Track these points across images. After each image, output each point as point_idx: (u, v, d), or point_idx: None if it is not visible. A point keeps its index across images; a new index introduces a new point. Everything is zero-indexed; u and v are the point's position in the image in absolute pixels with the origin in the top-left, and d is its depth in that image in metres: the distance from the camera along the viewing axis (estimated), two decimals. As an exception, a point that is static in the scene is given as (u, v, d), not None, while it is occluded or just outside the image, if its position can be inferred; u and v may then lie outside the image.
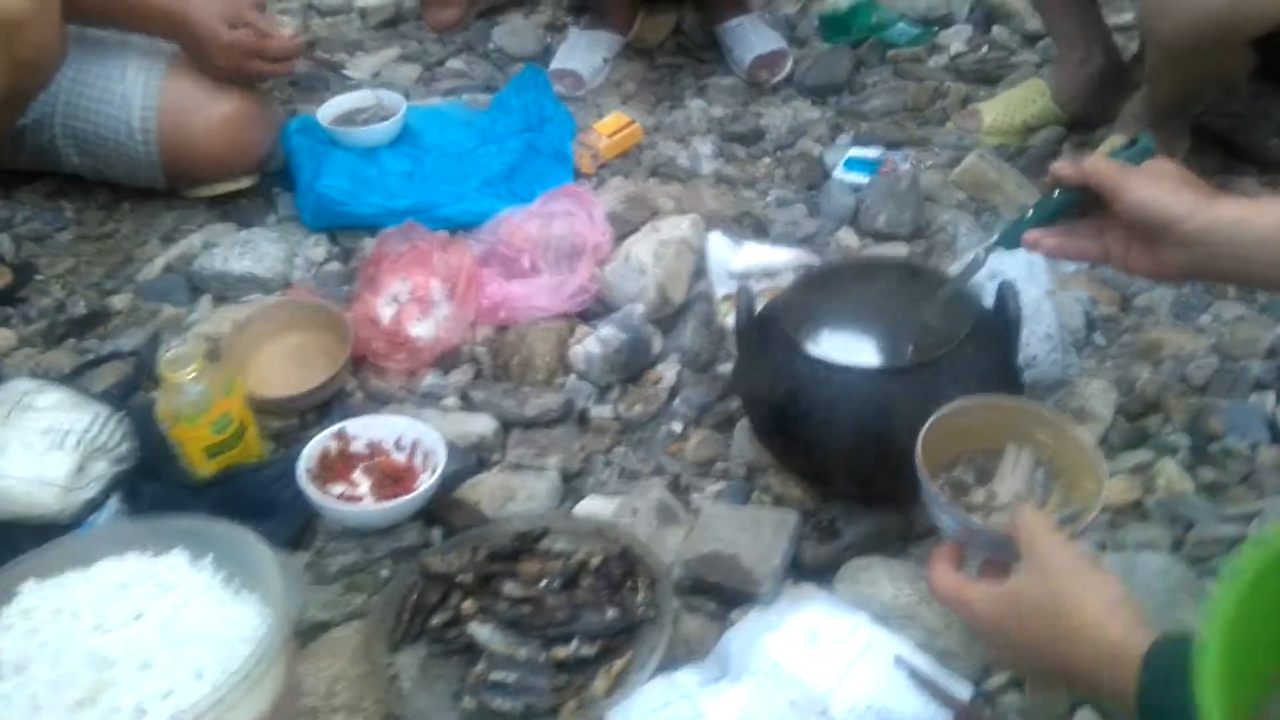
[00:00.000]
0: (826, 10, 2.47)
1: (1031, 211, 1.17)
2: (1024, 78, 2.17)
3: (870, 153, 2.02)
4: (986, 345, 1.31)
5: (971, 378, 1.26)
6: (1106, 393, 1.48)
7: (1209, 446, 1.42)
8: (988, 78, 2.25)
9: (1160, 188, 1.08)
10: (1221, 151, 1.92)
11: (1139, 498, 1.37)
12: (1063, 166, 1.14)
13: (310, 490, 1.32)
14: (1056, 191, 1.15)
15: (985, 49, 2.34)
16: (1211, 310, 1.66)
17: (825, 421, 1.30)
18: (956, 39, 2.39)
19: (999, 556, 1.03)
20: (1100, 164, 1.11)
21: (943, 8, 2.48)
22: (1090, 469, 1.07)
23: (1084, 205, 1.14)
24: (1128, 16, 2.25)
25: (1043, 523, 0.97)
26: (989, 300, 1.37)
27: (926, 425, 1.09)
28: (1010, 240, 1.18)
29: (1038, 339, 1.47)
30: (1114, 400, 1.47)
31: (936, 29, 2.43)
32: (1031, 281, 1.50)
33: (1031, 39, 2.34)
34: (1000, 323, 1.34)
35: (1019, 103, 2.04)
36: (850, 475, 1.34)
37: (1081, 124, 2.03)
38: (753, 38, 2.34)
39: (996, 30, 2.40)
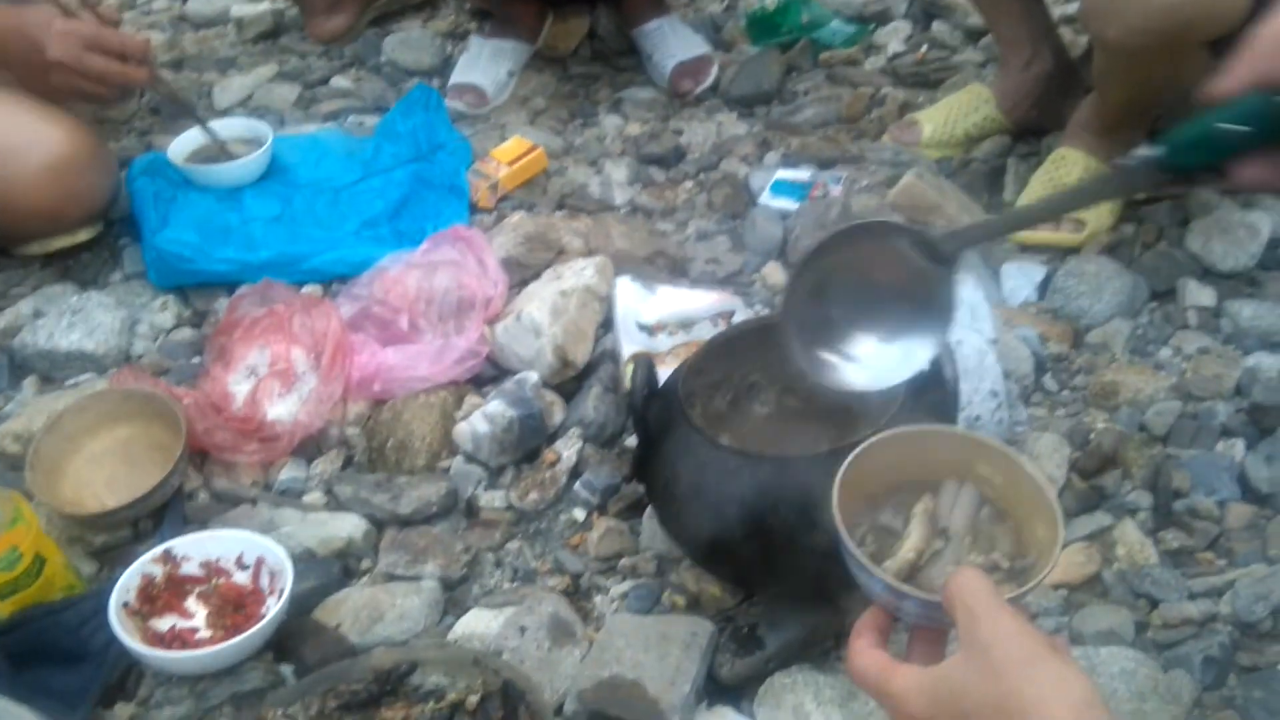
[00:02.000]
0: (754, 9, 2.31)
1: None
2: (966, 80, 2.02)
3: (799, 175, 1.85)
4: (923, 416, 1.14)
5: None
6: (1059, 449, 1.36)
7: (1173, 505, 1.32)
8: (928, 81, 2.10)
9: None
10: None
11: (1097, 570, 1.26)
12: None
13: (123, 634, 1.12)
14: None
15: (925, 48, 2.18)
16: (1171, 343, 1.55)
17: (740, 518, 1.14)
18: (894, 38, 2.24)
19: (935, 624, 0.83)
20: None
21: (878, 3, 2.33)
22: (1043, 511, 0.87)
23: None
24: (1075, 6, 2.08)
25: (986, 592, 0.75)
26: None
27: (845, 463, 0.90)
28: (1196, 152, 0.90)
29: (981, 397, 1.34)
30: (1067, 456, 1.36)
31: (873, 26, 2.28)
32: (973, 329, 1.36)
33: (974, 35, 2.20)
34: (937, 392, 1.17)
35: (960, 111, 1.90)
36: (770, 575, 1.18)
37: (1029, 132, 1.90)
38: (674, 42, 2.18)
39: (937, 27, 2.25)
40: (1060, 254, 1.66)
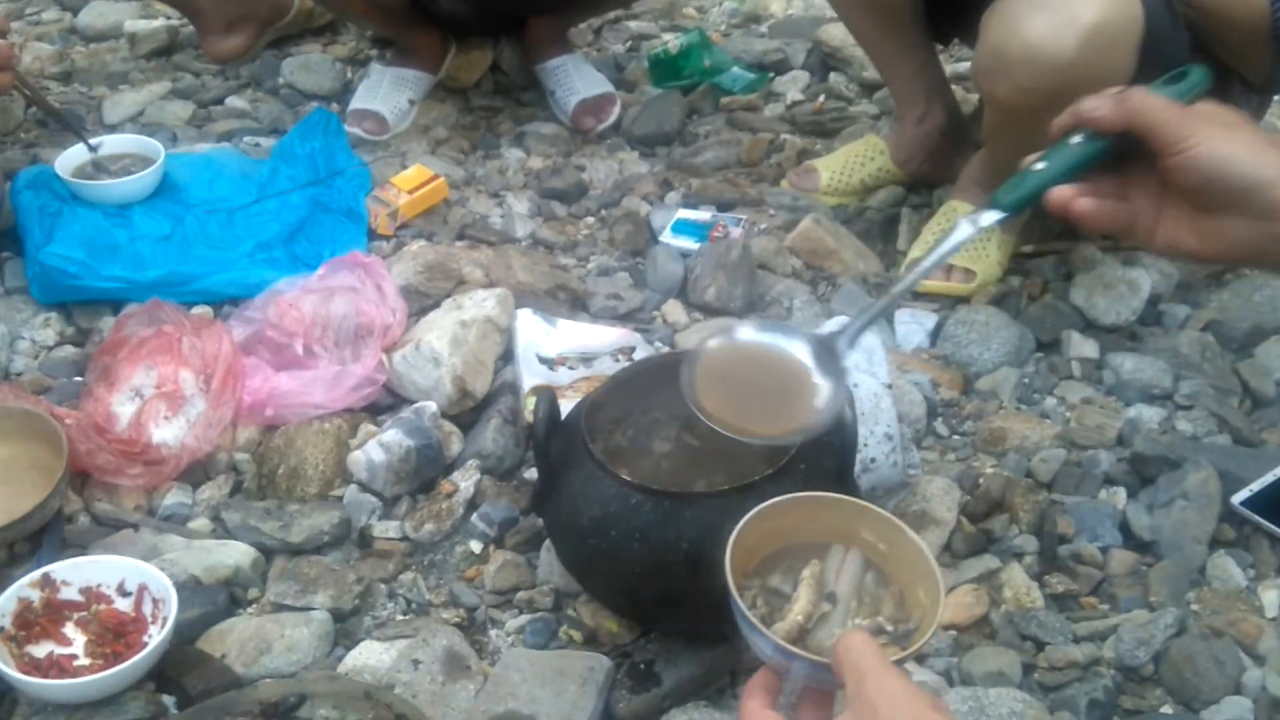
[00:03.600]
0: (657, 51, 2.34)
1: (1044, 163, 0.94)
2: (863, 131, 2.09)
3: (700, 215, 1.89)
4: (819, 460, 1.18)
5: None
6: (949, 493, 1.39)
7: (1058, 549, 1.36)
8: (825, 130, 2.16)
9: (1238, 140, 0.85)
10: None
11: (985, 612, 1.29)
12: (1098, 104, 0.91)
13: (-1, 661, 1.08)
14: (1078, 137, 0.93)
15: (823, 98, 2.25)
16: (1056, 392, 1.60)
17: (638, 554, 1.15)
18: (793, 86, 2.31)
19: (823, 686, 0.86)
20: (1151, 102, 0.88)
21: (778, 52, 2.39)
22: (925, 576, 0.91)
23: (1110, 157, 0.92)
24: (967, 65, 2.17)
25: (873, 653, 0.78)
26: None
27: (737, 528, 0.92)
28: (1018, 203, 0.93)
29: (876, 440, 1.37)
30: (957, 500, 1.38)
31: (772, 75, 2.34)
32: (869, 373, 1.39)
33: (870, 88, 2.27)
34: (835, 434, 1.20)
35: (856, 161, 1.95)
36: (668, 611, 1.19)
37: (921, 184, 1.96)
38: (577, 80, 2.20)
39: (834, 78, 2.32)
40: (951, 302, 1.72)
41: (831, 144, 2.09)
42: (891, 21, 1.82)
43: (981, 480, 1.43)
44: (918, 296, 1.73)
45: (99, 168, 1.81)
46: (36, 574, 1.18)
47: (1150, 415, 1.53)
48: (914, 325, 1.69)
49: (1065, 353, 1.65)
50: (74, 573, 1.19)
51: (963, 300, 1.72)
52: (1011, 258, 1.77)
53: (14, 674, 1.08)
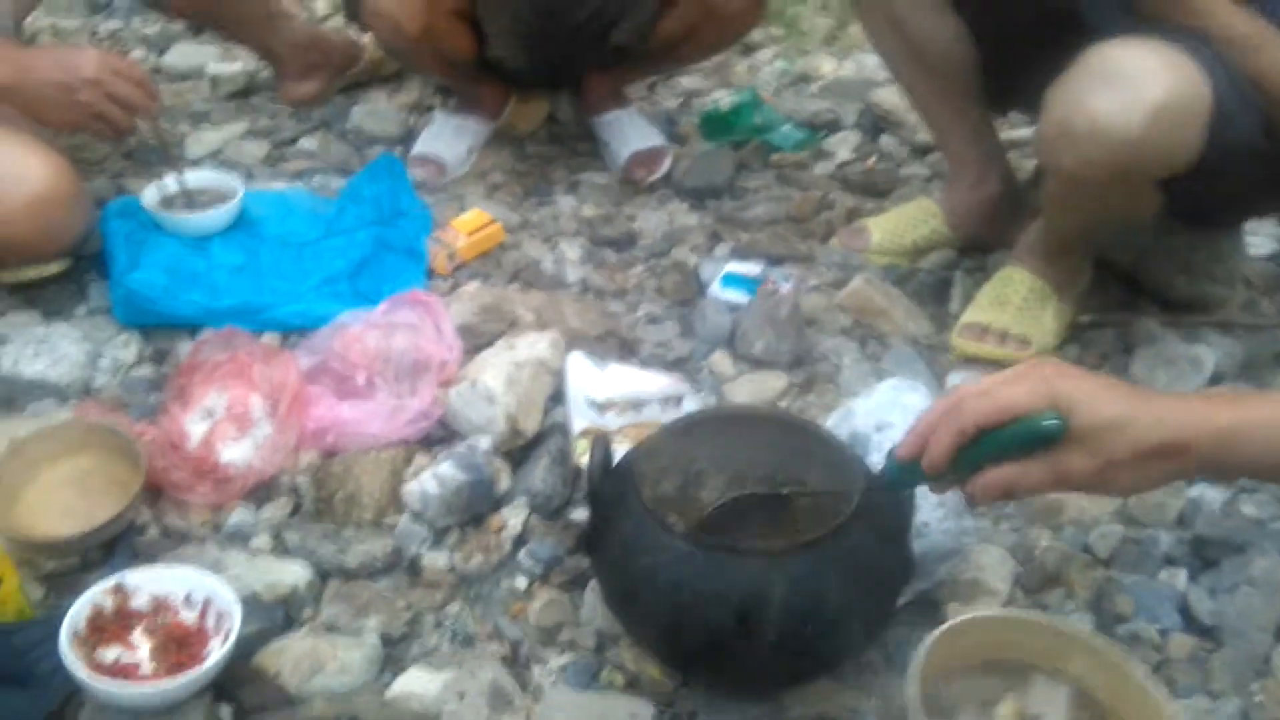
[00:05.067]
0: (709, 108, 2.41)
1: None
2: (914, 192, 2.12)
3: (750, 269, 1.93)
4: (876, 518, 1.20)
5: (858, 559, 1.16)
6: (1003, 563, 1.38)
7: (1116, 629, 1.34)
8: (876, 190, 2.20)
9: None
10: (1123, 288, 1.88)
11: None
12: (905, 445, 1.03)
13: (73, 661, 1.14)
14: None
15: (874, 158, 2.29)
16: None
17: (688, 604, 1.17)
18: (843, 146, 2.36)
19: None
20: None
21: (829, 113, 2.45)
22: (1150, 712, 0.81)
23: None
24: (1023, 132, 2.22)
25: None
26: (877, 458, 1.27)
27: (925, 645, 0.86)
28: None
29: (929, 504, 1.35)
30: (1011, 571, 1.38)
31: (823, 134, 2.39)
32: None
33: (922, 151, 2.31)
34: (890, 495, 1.22)
35: (909, 222, 1.98)
36: (714, 663, 1.22)
37: (975, 248, 1.98)
38: (630, 133, 2.27)
39: (885, 140, 2.37)
40: (1004, 368, 1.71)
41: (882, 204, 2.12)
42: (949, 88, 1.85)
43: (1036, 552, 1.42)
44: (971, 362, 1.74)
45: (181, 200, 1.90)
46: (111, 581, 1.23)
47: (1213, 496, 1.49)
48: None
49: (1124, 428, 1.65)
50: (145, 582, 1.25)
51: None
52: (1069, 327, 1.77)
53: (89, 677, 1.14)
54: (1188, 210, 1.68)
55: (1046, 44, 1.54)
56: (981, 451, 1.00)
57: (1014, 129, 2.24)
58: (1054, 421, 0.96)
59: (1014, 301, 1.75)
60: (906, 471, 1.06)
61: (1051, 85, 1.50)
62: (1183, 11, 1.47)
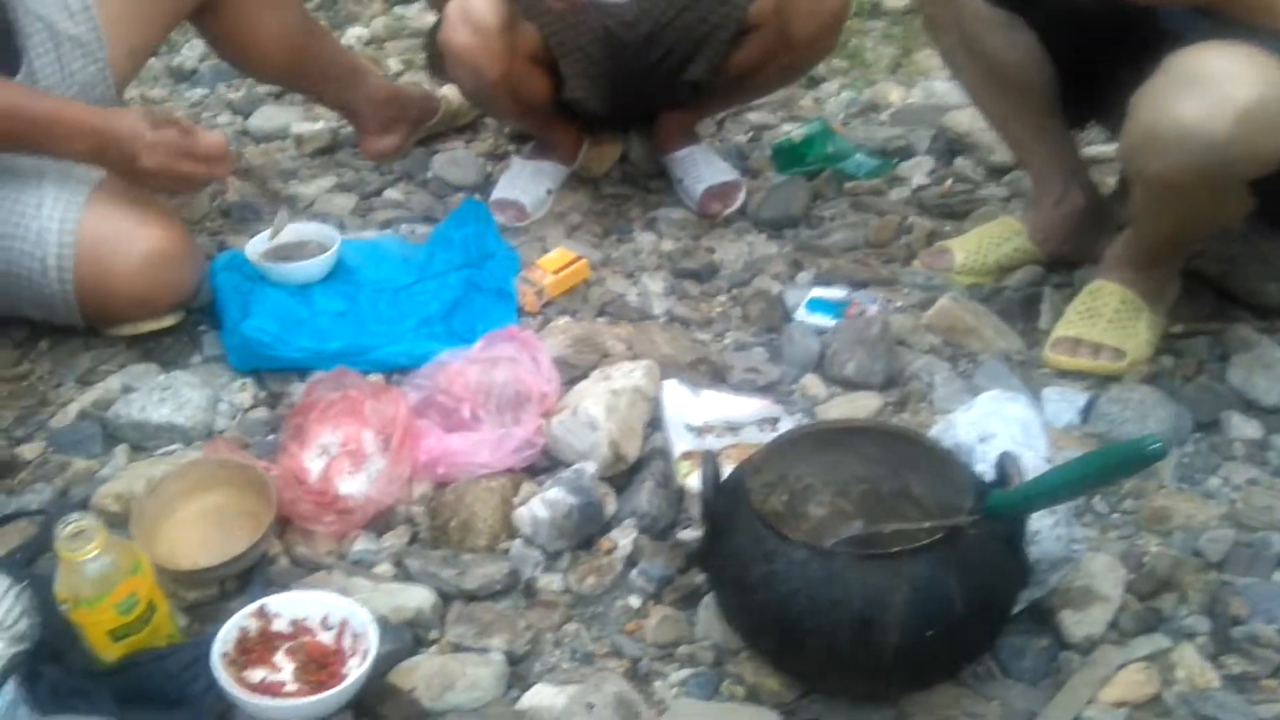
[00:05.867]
0: (780, 140, 2.48)
1: None
2: (993, 212, 2.16)
3: (835, 293, 1.99)
4: (987, 526, 1.25)
5: (979, 561, 1.22)
6: (1113, 569, 1.42)
7: (1232, 631, 1.37)
8: (953, 212, 2.24)
9: None
10: (1214, 296, 1.90)
11: (1157, 692, 1.31)
12: None
13: (226, 682, 1.23)
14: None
15: (950, 182, 2.34)
16: (1219, 473, 1.62)
17: (807, 612, 1.22)
18: (918, 171, 2.41)
19: None
20: None
21: (901, 139, 2.51)
22: None
23: None
24: (1102, 149, 2.26)
25: None
26: (987, 470, 1.32)
27: None
28: None
29: (1038, 514, 1.35)
30: (1122, 578, 1.42)
31: (896, 160, 2.44)
32: (1028, 446, 1.40)
33: (998, 172, 2.35)
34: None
35: (992, 241, 2.01)
36: (836, 671, 1.27)
37: (1061, 264, 2.00)
38: (703, 168, 2.34)
39: (960, 163, 2.41)
40: (1100, 381, 1.75)
41: (961, 226, 2.16)
42: (1027, 105, 1.89)
43: (1146, 559, 1.45)
44: (1065, 375, 1.78)
45: (282, 252, 2.02)
46: (254, 606, 1.33)
47: (1324, 498, 1.52)
48: (1063, 403, 1.72)
49: (1226, 433, 1.66)
50: (285, 606, 1.34)
51: (1113, 379, 1.75)
52: (1162, 338, 1.80)
53: (236, 692, 1.23)
54: (1278, 213, 1.71)
55: (1124, 54, 1.59)
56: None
57: (1089, 146, 2.27)
58: (1158, 445, 1.07)
59: (1105, 314, 1.78)
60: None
61: (1136, 93, 1.53)
62: (1257, 9, 1.49)
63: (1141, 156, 1.57)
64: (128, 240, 1.81)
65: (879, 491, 1.44)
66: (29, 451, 1.74)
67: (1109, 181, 2.13)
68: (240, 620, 1.31)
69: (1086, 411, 1.71)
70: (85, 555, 1.21)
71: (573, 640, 1.43)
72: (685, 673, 1.37)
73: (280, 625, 1.34)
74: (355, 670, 1.28)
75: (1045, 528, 1.36)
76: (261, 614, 1.33)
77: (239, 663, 1.29)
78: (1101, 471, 1.20)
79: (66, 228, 1.80)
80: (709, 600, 1.42)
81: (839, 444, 1.43)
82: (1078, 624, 1.37)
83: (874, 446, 1.42)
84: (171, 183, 1.83)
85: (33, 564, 1.43)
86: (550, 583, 1.50)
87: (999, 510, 1.23)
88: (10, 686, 1.25)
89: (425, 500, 1.60)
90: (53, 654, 1.30)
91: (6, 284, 1.83)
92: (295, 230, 2.05)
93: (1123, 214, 1.82)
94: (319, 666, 1.30)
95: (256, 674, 1.29)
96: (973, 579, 1.22)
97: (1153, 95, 1.51)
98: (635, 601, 1.47)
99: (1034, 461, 1.37)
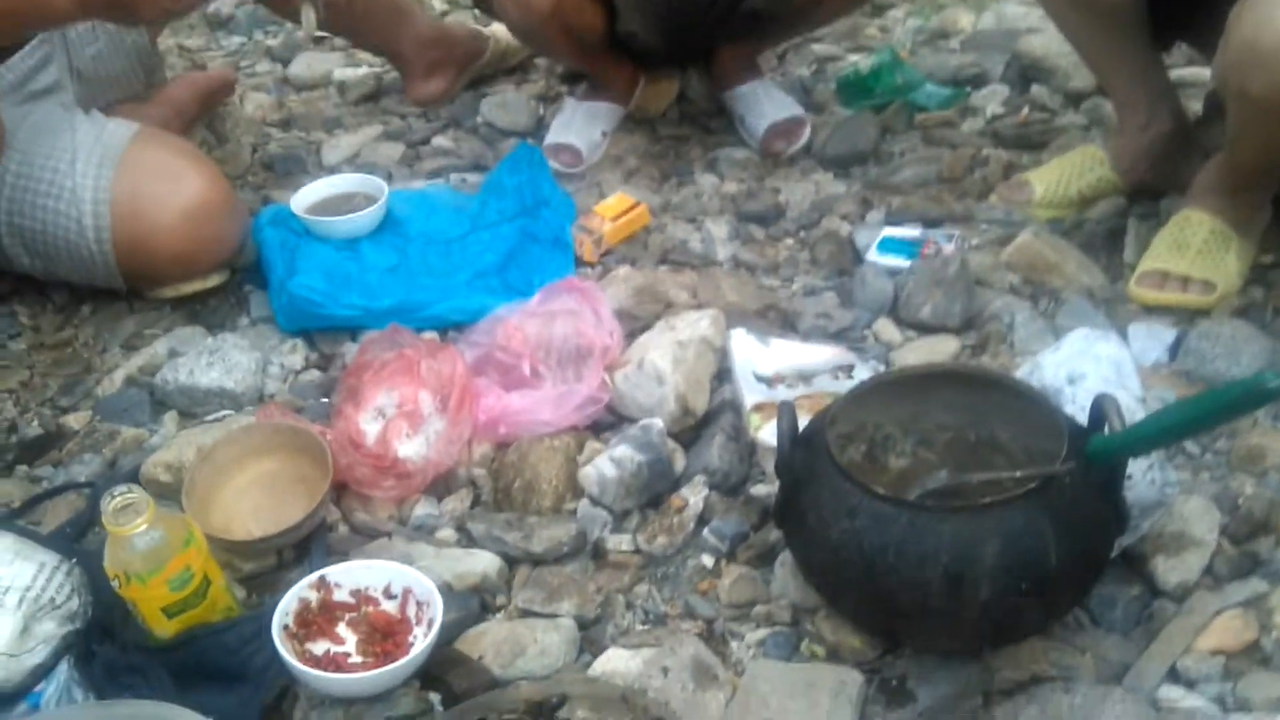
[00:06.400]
0: (846, 73, 2.41)
1: None
2: (1071, 142, 2.10)
3: (908, 233, 1.93)
4: (1083, 473, 1.20)
5: (1068, 513, 1.17)
6: (1208, 513, 1.38)
7: None
8: (1031, 143, 2.18)
9: None
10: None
11: (1255, 639, 1.27)
12: None
13: (288, 656, 1.21)
14: None
15: (1026, 110, 2.27)
16: None
17: (892, 569, 1.19)
18: (992, 100, 2.33)
19: None
20: None
21: (974, 66, 2.43)
22: None
23: None
24: (1187, 72, 2.17)
25: None
26: (1078, 413, 1.27)
27: None
28: None
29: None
30: (1216, 521, 1.37)
31: (968, 90, 2.37)
32: (1120, 387, 1.35)
33: (1076, 99, 2.28)
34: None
35: (1073, 172, 1.95)
36: (923, 627, 1.24)
37: (1144, 194, 1.94)
38: (766, 104, 2.28)
39: (1036, 90, 2.33)
40: (1188, 315, 1.71)
41: (1039, 157, 2.10)
42: (1113, 24, 1.82)
43: (1241, 501, 1.41)
44: (1151, 311, 1.73)
45: (329, 205, 1.98)
46: (314, 576, 1.30)
47: None
48: (1150, 340, 1.67)
49: (1324, 368, 1.61)
50: (345, 576, 1.32)
51: (1202, 313, 1.70)
52: (1252, 268, 1.75)
53: (305, 668, 1.21)
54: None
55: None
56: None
57: (1176, 68, 2.18)
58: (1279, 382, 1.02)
59: (1194, 245, 1.73)
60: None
61: (1235, 5, 1.47)
62: None
63: (1241, 73, 1.51)
64: (166, 194, 1.77)
65: (963, 439, 1.40)
66: (75, 421, 1.72)
67: (1193, 107, 2.05)
68: (300, 591, 1.29)
69: (1175, 348, 1.67)
70: (134, 530, 1.19)
71: (644, 602, 1.41)
72: (763, 633, 1.35)
73: (341, 595, 1.31)
74: (421, 640, 1.26)
75: (1138, 472, 1.33)
76: (322, 584, 1.31)
77: (300, 635, 1.26)
78: (1218, 410, 1.14)
79: (102, 184, 1.76)
80: (785, 557, 1.39)
81: (920, 390, 1.39)
82: (1171, 570, 1.33)
83: (957, 392, 1.37)
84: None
85: (82, 539, 1.42)
86: (619, 543, 1.47)
87: (1101, 455, 1.19)
88: (64, 668, 1.25)
89: (486, 462, 1.57)
90: (105, 632, 1.29)
91: (44, 246, 1.80)
92: (342, 181, 2.01)
93: (1209, 140, 1.78)
94: (384, 637, 1.28)
95: (319, 646, 1.27)
96: (1068, 529, 1.18)
97: (1254, 7, 1.46)
98: (708, 561, 1.44)
99: (1127, 402, 1.33)
